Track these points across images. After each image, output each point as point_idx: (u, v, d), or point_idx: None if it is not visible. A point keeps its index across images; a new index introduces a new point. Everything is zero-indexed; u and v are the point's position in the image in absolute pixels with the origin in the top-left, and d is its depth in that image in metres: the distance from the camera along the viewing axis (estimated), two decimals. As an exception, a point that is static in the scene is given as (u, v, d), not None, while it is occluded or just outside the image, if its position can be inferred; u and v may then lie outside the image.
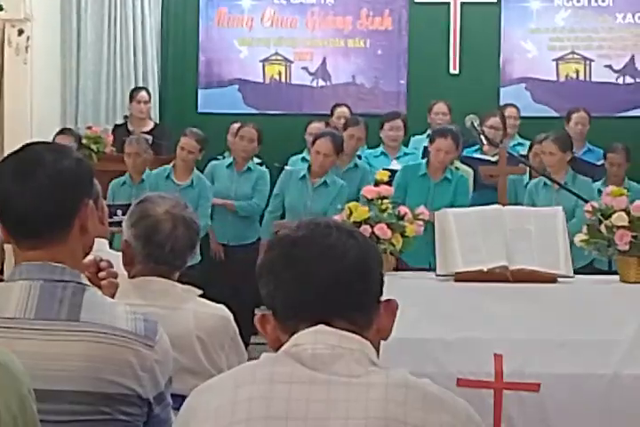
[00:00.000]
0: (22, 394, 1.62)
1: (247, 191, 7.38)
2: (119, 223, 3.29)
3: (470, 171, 6.86)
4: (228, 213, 7.38)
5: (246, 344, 3.30)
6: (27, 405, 1.64)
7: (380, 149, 7.80)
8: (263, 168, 7.53)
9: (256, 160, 7.69)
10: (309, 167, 6.81)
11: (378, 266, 1.85)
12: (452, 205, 5.94)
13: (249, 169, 7.48)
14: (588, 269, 5.24)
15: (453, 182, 6.50)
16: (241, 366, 1.83)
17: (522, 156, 7.15)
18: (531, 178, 6.91)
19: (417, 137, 8.12)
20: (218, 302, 3.21)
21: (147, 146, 7.36)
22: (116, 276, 2.37)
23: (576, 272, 4.98)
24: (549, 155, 6.63)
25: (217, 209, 7.33)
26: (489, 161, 6.87)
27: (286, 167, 7.28)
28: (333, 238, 1.80)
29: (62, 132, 7.80)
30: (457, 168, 6.75)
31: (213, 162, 7.62)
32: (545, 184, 6.61)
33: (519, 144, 8.05)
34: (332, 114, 8.32)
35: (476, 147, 7.42)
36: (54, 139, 7.33)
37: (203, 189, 7.11)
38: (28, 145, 2.22)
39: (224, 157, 7.90)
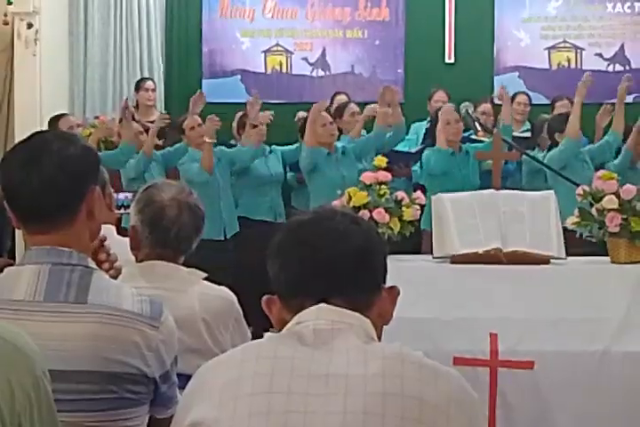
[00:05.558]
0: (36, 375, 1.63)
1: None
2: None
3: None
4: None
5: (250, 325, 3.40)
6: (41, 385, 1.64)
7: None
8: None
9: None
10: None
11: (381, 252, 1.91)
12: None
13: None
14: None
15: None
16: (246, 344, 1.90)
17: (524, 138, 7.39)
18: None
19: (417, 124, 8.20)
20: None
21: None
22: (115, 260, 2.39)
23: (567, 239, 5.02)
24: None
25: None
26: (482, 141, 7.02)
27: None
28: (337, 222, 1.87)
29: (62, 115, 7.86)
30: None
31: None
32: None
33: (528, 130, 8.13)
34: (332, 102, 8.39)
35: (470, 132, 7.55)
36: (54, 123, 7.50)
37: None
38: (36, 133, 2.25)
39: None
